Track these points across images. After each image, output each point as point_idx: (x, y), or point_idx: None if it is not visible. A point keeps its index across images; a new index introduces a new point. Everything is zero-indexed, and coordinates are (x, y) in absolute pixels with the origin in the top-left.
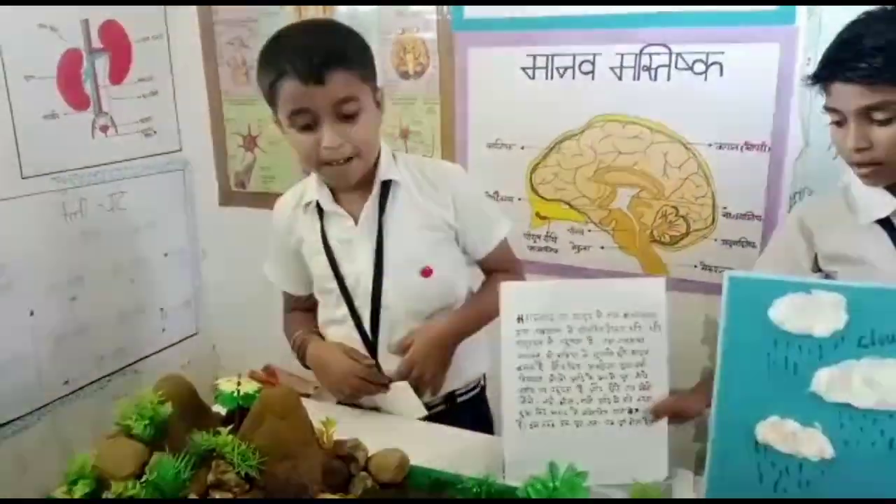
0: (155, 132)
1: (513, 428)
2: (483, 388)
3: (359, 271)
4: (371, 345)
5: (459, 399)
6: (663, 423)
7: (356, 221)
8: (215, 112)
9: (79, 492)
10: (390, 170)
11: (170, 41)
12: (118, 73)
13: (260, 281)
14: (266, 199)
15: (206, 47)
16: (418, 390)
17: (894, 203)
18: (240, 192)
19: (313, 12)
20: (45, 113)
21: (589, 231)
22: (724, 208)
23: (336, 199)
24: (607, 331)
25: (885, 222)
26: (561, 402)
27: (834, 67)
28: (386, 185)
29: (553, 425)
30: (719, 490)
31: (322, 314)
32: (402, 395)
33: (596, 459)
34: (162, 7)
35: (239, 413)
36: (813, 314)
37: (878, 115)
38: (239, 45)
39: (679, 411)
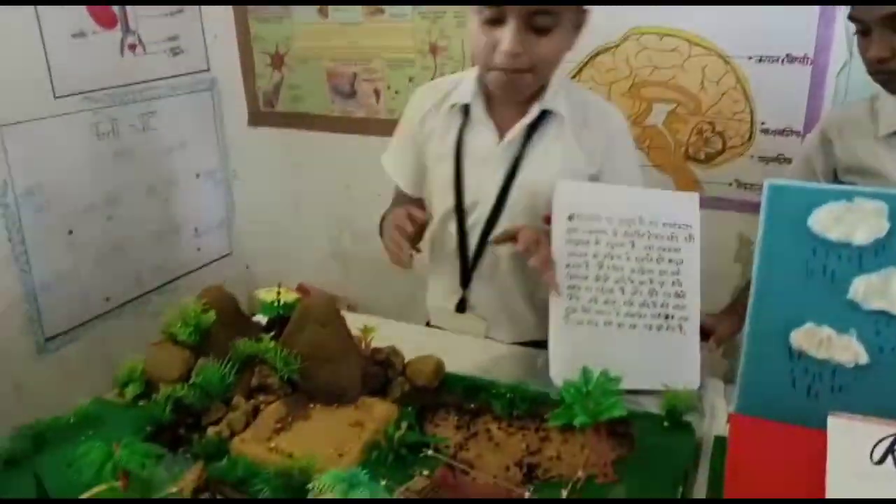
0: (182, 51)
1: (559, 322)
2: None
3: (480, 195)
4: (467, 272)
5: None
6: (696, 332)
7: (501, 139)
8: (241, 30)
9: (130, 393)
10: (556, 99)
11: None
12: None
13: (291, 202)
14: (295, 119)
15: None
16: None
17: None
18: (269, 112)
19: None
20: (73, 32)
21: None
22: (763, 124)
23: (489, 109)
24: (648, 237)
25: None
26: (605, 302)
27: None
28: (543, 114)
29: (597, 324)
30: (751, 396)
31: (430, 228)
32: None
33: (633, 362)
34: None
35: (279, 321)
36: (854, 222)
37: None
38: None
39: (712, 330)
